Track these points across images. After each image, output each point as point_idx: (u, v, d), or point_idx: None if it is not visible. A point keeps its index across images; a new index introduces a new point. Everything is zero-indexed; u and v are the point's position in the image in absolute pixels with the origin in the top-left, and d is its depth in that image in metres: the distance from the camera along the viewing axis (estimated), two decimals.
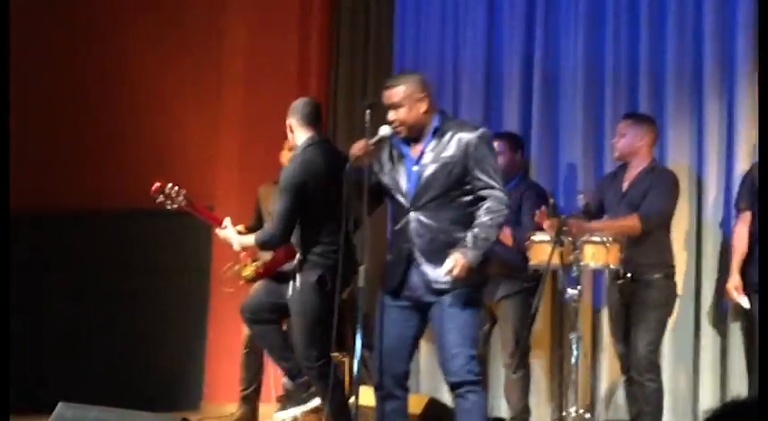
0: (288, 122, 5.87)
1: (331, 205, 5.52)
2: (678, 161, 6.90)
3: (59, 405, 4.90)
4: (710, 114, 6.89)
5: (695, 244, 6.85)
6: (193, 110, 8.49)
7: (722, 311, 6.77)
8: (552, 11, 7.42)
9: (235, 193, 7.77)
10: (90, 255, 8.64)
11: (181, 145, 8.47)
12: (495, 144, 6.41)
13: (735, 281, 6.20)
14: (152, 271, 8.48)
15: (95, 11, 8.85)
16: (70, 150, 8.77)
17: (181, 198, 6.11)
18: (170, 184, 6.09)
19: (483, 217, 4.94)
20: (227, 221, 5.96)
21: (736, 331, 6.72)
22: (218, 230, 5.97)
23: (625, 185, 6.46)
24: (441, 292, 4.98)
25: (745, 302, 6.16)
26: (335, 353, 6.95)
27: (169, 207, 6.13)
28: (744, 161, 6.72)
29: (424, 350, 7.48)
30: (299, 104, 5.88)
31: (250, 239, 5.84)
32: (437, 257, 4.94)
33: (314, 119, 5.87)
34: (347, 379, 7.20)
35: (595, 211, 6.51)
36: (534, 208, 6.31)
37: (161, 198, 6.10)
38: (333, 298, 5.61)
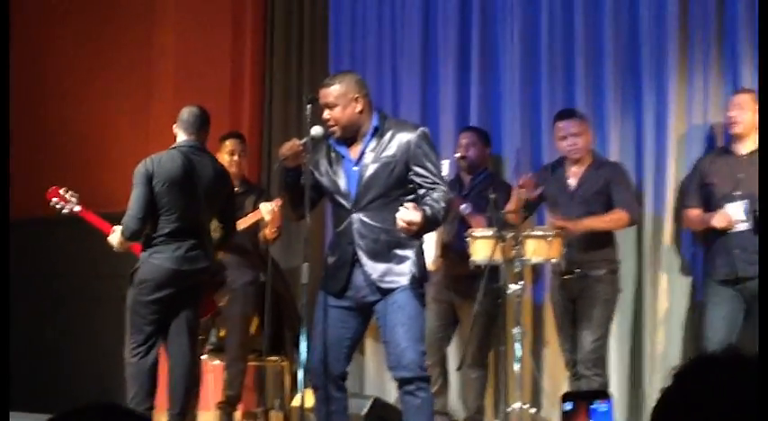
0: (174, 127, 6.07)
1: (176, 206, 5.78)
2: (616, 157, 6.90)
3: None
4: (647, 110, 6.93)
5: (634, 239, 6.87)
6: (123, 114, 8.39)
7: (662, 305, 6.81)
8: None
9: None
10: (24, 263, 8.43)
11: (110, 150, 8.40)
12: (467, 135, 6.83)
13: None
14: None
15: (18, 15, 8.63)
16: None
17: (74, 201, 6.27)
18: (64, 188, 6.27)
19: (431, 201, 4.89)
20: (115, 228, 6.01)
21: (676, 323, 6.76)
22: (108, 238, 6.04)
23: (572, 181, 6.47)
24: (386, 291, 4.96)
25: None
26: (273, 357, 7.00)
27: (63, 210, 6.28)
28: (674, 157, 6.79)
29: (369, 351, 7.45)
30: (184, 112, 6.05)
31: (119, 235, 5.93)
32: (381, 257, 4.95)
33: (193, 126, 6.01)
34: (287, 382, 7.22)
35: (534, 205, 6.52)
36: (506, 202, 6.34)
37: (55, 200, 6.28)
38: (165, 301, 5.79)
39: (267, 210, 6.72)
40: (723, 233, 6.08)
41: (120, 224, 5.99)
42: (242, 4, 8.26)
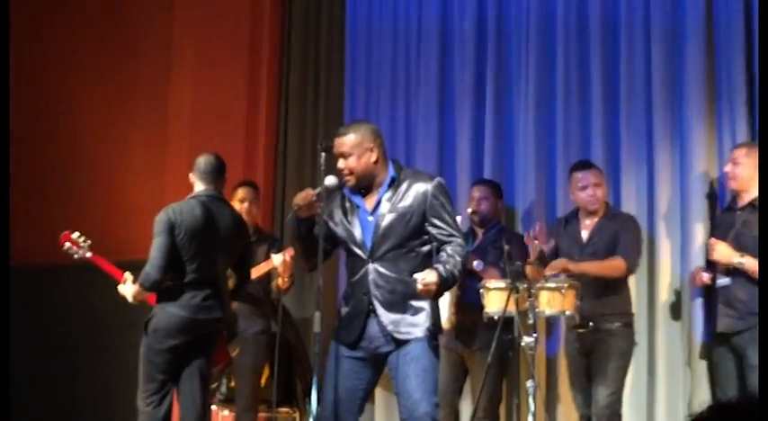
0: (190, 176, 6.05)
1: (196, 256, 5.75)
2: (630, 209, 6.91)
3: None
4: (662, 163, 6.95)
5: (646, 292, 6.87)
6: (137, 159, 8.43)
7: (677, 358, 6.80)
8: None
9: None
10: (32, 310, 8.47)
11: (123, 197, 8.42)
12: (478, 189, 6.83)
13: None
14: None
15: (37, 54, 8.77)
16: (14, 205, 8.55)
17: (86, 248, 6.28)
18: (77, 233, 6.28)
19: (447, 256, 4.89)
20: (126, 276, 5.97)
21: (689, 379, 6.74)
22: (120, 287, 5.99)
23: (584, 234, 6.49)
24: (400, 342, 4.92)
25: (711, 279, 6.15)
26: (284, 408, 7.00)
27: (75, 255, 6.29)
28: (697, 212, 6.79)
29: (379, 401, 7.43)
30: (200, 161, 6.03)
31: (136, 286, 5.85)
32: (396, 307, 4.91)
33: (211, 175, 6.00)
34: None
35: (549, 259, 6.43)
36: (522, 256, 6.29)
37: (68, 245, 6.29)
38: (179, 350, 5.76)
39: (279, 260, 6.70)
40: (712, 288, 6.14)
41: (130, 271, 5.98)
42: (258, 47, 8.28)
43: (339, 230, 5.06)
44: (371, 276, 4.96)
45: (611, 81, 7.14)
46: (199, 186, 6.01)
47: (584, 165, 6.59)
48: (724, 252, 6.04)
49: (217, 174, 6.03)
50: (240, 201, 6.97)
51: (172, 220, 5.80)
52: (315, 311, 4.99)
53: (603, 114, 7.12)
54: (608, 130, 7.13)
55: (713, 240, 6.13)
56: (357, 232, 5.01)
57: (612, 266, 6.30)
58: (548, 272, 6.18)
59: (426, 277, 4.74)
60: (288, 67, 8.29)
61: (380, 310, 4.93)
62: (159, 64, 8.41)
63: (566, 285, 6.02)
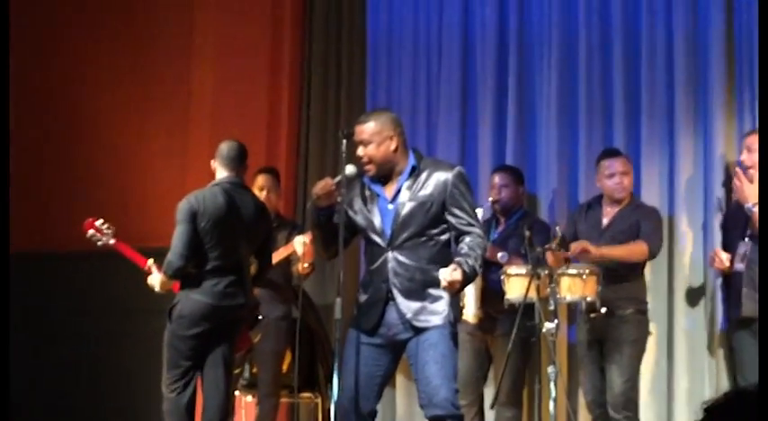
0: (212, 163, 6.04)
1: (219, 244, 5.79)
2: (650, 198, 6.94)
3: None
4: (684, 149, 6.97)
5: (666, 280, 6.87)
6: (159, 147, 8.45)
7: (698, 344, 6.80)
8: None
9: None
10: (60, 297, 8.46)
11: (145, 184, 8.42)
12: (499, 176, 6.79)
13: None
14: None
15: (57, 43, 8.78)
16: (38, 193, 8.65)
17: (110, 234, 6.31)
18: (101, 220, 6.32)
19: (468, 249, 4.90)
20: (150, 263, 6.03)
21: (709, 367, 6.77)
22: (149, 278, 6.04)
23: (605, 220, 6.49)
24: (419, 330, 4.93)
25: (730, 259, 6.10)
26: (306, 393, 7.03)
27: (99, 242, 6.33)
28: (718, 193, 6.82)
29: (400, 387, 7.43)
30: (223, 147, 6.03)
31: (161, 275, 5.91)
32: (415, 296, 4.93)
33: (234, 162, 6.01)
34: (320, 419, 7.20)
35: (569, 243, 6.40)
36: (544, 241, 6.23)
37: (91, 232, 6.33)
38: (203, 336, 5.78)
39: (300, 242, 6.68)
40: (735, 273, 6.08)
41: (154, 257, 6.01)
42: (280, 38, 8.26)
43: (359, 218, 5.08)
44: (391, 264, 4.97)
45: (632, 72, 7.17)
46: (221, 173, 6.01)
47: (612, 153, 6.59)
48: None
49: (239, 160, 6.03)
50: (260, 189, 6.94)
51: (194, 208, 5.81)
52: (336, 298, 5.01)
53: (625, 102, 7.15)
54: (629, 116, 7.14)
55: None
56: (377, 220, 5.02)
57: (634, 250, 6.31)
58: (569, 254, 6.17)
59: (452, 275, 4.76)
60: (309, 55, 8.26)
61: (399, 298, 4.95)
62: (180, 52, 8.36)
63: (587, 271, 6.03)
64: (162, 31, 8.55)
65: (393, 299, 4.97)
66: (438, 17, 7.78)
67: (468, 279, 4.84)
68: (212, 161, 6.05)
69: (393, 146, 5.01)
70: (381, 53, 7.97)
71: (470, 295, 6.39)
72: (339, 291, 5.02)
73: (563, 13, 7.33)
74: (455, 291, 4.88)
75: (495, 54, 7.55)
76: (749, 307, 5.95)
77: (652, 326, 6.56)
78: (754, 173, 6.05)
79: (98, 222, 6.36)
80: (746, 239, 6.05)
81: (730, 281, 6.18)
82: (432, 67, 7.79)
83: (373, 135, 5.00)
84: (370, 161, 5.02)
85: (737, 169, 6.21)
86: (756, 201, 5.86)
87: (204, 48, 8.29)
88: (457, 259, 4.86)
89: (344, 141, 5.10)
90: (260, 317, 6.35)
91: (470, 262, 4.84)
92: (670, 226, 6.88)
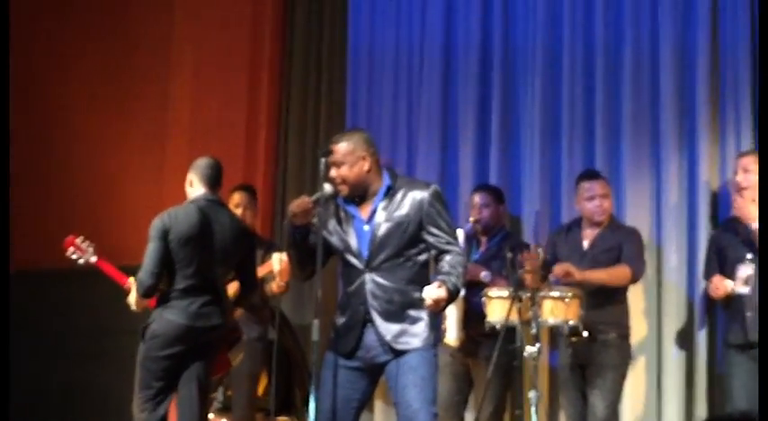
0: (188, 177, 5.94)
1: (192, 262, 5.69)
2: (636, 219, 6.90)
3: None
4: (671, 170, 6.94)
5: (656, 305, 6.83)
6: (137, 163, 8.39)
7: (684, 373, 6.77)
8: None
9: None
10: (31, 315, 8.38)
11: (124, 199, 8.35)
12: (480, 196, 6.72)
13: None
14: (104, 332, 8.19)
15: (32, 53, 8.69)
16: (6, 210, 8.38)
17: (91, 252, 6.27)
18: (81, 237, 6.27)
19: (449, 267, 4.88)
20: (131, 281, 5.94)
21: (696, 391, 6.73)
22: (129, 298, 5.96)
23: (585, 242, 6.43)
24: (398, 352, 4.89)
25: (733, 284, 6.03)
26: (282, 417, 6.97)
27: (80, 260, 6.28)
28: (705, 218, 6.79)
29: (378, 413, 7.39)
30: (202, 164, 5.93)
31: (135, 294, 5.83)
32: (395, 318, 4.89)
33: (212, 180, 5.93)
34: None
35: (550, 266, 6.34)
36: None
37: (71, 250, 6.28)
38: (177, 357, 5.68)
39: (278, 258, 6.52)
40: (737, 296, 6.01)
41: (132, 277, 5.93)
42: (260, 53, 8.20)
43: (334, 239, 5.03)
44: (369, 286, 4.93)
45: (614, 92, 7.17)
46: (198, 189, 5.91)
47: (592, 175, 6.53)
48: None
49: (217, 178, 5.96)
50: (236, 206, 6.85)
51: (166, 226, 5.72)
52: (313, 319, 4.91)
53: (606, 125, 7.13)
54: (611, 136, 7.12)
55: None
56: (353, 241, 4.98)
57: (617, 274, 6.25)
58: (551, 277, 6.14)
59: (436, 293, 4.74)
60: (289, 71, 8.20)
61: (378, 321, 4.90)
62: (158, 66, 8.31)
63: (569, 294, 5.97)
64: (140, 44, 8.51)
65: (372, 321, 4.92)
66: (420, 35, 7.75)
67: (451, 297, 4.82)
68: (189, 175, 5.96)
69: (366, 166, 4.99)
70: (362, 70, 7.91)
71: (452, 317, 6.34)
72: (317, 312, 4.92)
73: (547, 32, 7.32)
74: (439, 310, 4.85)
75: (477, 71, 7.51)
76: (755, 330, 5.87)
77: (640, 352, 6.55)
78: (753, 193, 5.99)
79: (78, 240, 6.30)
80: (748, 261, 5.99)
81: (731, 305, 6.10)
82: (413, 85, 7.75)
83: (346, 156, 4.97)
84: (344, 182, 4.99)
85: (739, 181, 6.17)
86: (757, 220, 5.80)
87: (182, 62, 8.26)
88: (440, 277, 4.82)
89: (323, 160, 5.04)
90: (242, 338, 6.19)
91: (453, 280, 4.81)
92: (657, 247, 6.86)
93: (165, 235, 5.71)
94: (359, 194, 5.01)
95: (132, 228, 7.38)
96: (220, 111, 8.11)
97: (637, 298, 6.66)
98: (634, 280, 6.33)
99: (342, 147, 4.99)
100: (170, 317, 5.68)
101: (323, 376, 4.97)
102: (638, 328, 6.62)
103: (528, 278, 5.98)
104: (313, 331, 4.88)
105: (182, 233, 5.72)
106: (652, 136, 7.01)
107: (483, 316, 6.15)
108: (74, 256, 6.30)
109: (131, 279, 5.95)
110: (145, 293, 5.73)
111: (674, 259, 6.84)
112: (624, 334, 6.32)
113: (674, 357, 6.76)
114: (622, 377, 6.28)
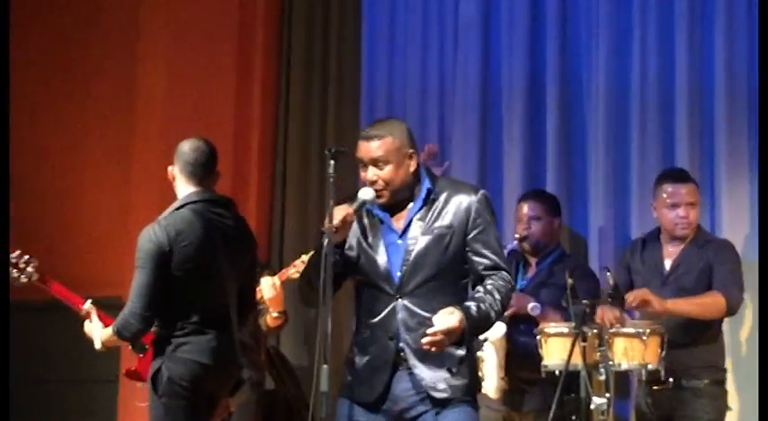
0: (170, 169, 5.06)
1: (205, 291, 4.88)
2: (732, 233, 6.32)
3: None
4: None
5: (757, 339, 6.02)
6: (98, 183, 7.95)
7: None
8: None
9: None
10: None
11: (89, 226, 7.89)
12: (529, 206, 6.19)
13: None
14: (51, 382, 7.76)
15: None
16: None
17: (33, 270, 5.51)
18: (18, 252, 5.53)
19: (483, 292, 4.29)
20: (88, 306, 5.22)
21: None
22: (86, 324, 5.21)
23: (667, 263, 5.79)
24: (438, 402, 4.30)
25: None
26: None
27: (22, 279, 5.52)
28: None
29: None
30: (185, 149, 4.99)
31: (109, 331, 4.98)
32: (434, 357, 4.28)
33: (202, 169, 4.98)
34: None
35: (624, 293, 5.68)
36: (590, 292, 5.67)
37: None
38: (196, 403, 4.86)
39: (268, 284, 6.03)
40: None
41: (90, 300, 5.22)
42: (251, 24, 7.60)
43: (354, 255, 4.44)
44: (400, 315, 4.34)
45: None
46: (184, 187, 4.96)
47: (679, 176, 5.87)
48: None
49: (210, 167, 5.00)
50: None
51: (164, 247, 4.79)
52: (319, 363, 4.23)
53: (690, 117, 6.53)
54: (698, 138, 6.56)
55: None
56: (381, 259, 4.39)
57: (708, 304, 5.55)
58: (626, 307, 5.55)
59: (445, 322, 4.15)
60: (288, 51, 7.59)
61: (413, 361, 4.30)
62: (125, 49, 7.82)
63: (648, 330, 5.35)
64: (105, 40, 8.06)
65: (405, 361, 4.32)
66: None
67: (472, 327, 4.23)
68: (170, 169, 5.02)
69: (413, 166, 4.42)
70: (381, 42, 7.34)
71: (491, 361, 5.80)
72: (325, 354, 4.21)
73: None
74: (442, 347, 4.20)
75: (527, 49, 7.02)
76: None
77: (736, 400, 5.98)
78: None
79: (14, 255, 5.50)
80: None
81: None
82: (446, 61, 7.18)
83: (391, 152, 4.35)
84: (387, 186, 4.37)
85: None
86: None
87: (153, 37, 7.71)
88: (466, 303, 4.28)
89: (332, 162, 4.38)
90: (244, 379, 5.50)
91: (484, 307, 4.26)
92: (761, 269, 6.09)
93: (164, 261, 4.80)
94: (399, 201, 4.43)
95: (94, 255, 7.32)
96: (200, 105, 7.52)
97: (734, 331, 6.16)
98: (730, 312, 5.64)
99: (387, 141, 4.36)
100: (188, 357, 4.84)
101: None
102: (738, 371, 6.07)
103: (602, 315, 5.42)
104: (322, 380, 4.19)
105: (188, 256, 4.83)
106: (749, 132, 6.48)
107: (531, 358, 5.60)
108: (11, 277, 5.53)
109: (89, 302, 5.20)
110: (132, 338, 4.95)
111: None
112: (720, 379, 5.68)
113: None
114: None
